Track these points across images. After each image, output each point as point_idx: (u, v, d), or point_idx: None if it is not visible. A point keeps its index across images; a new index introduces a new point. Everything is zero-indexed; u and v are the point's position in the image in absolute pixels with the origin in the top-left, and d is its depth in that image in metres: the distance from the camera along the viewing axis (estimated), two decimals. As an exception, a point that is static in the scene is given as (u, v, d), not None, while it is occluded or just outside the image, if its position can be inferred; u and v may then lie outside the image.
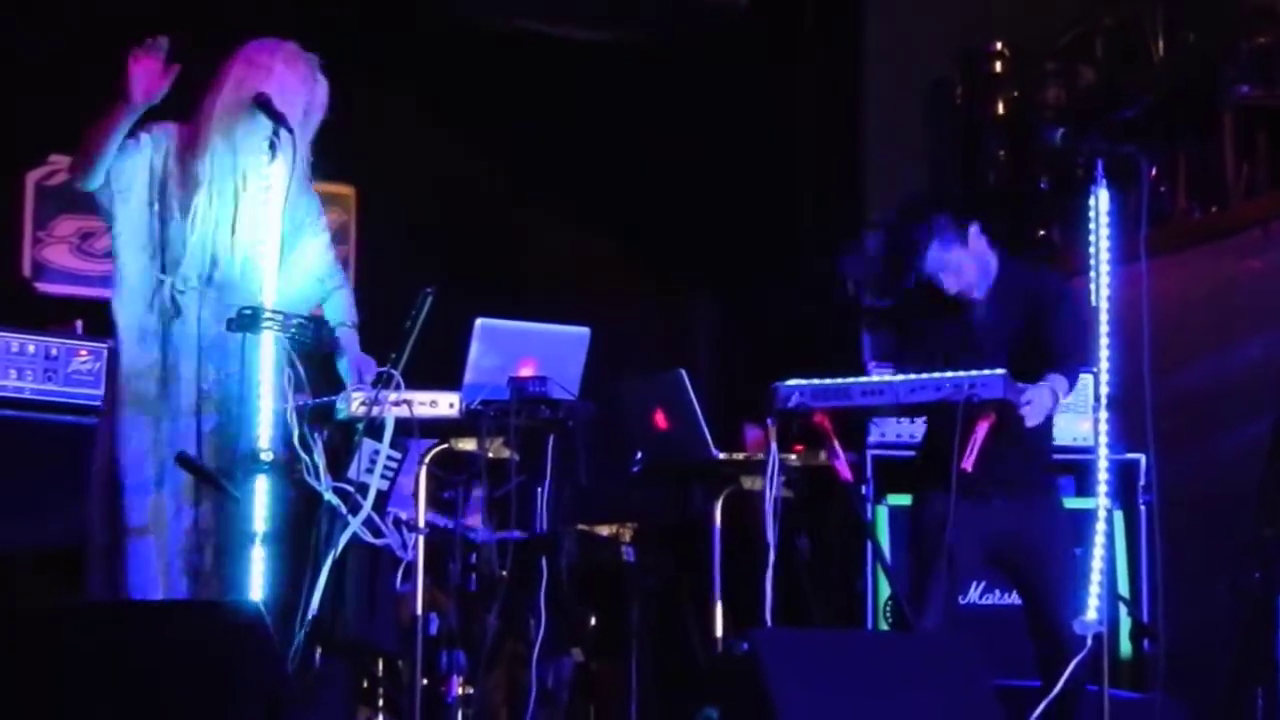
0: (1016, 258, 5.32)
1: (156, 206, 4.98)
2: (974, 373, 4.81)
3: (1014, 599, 6.17)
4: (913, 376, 4.94)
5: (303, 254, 5.15)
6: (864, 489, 6.20)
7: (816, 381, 5.00)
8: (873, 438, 6.33)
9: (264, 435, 4.78)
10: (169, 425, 4.90)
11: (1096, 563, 4.95)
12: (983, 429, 4.79)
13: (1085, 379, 5.50)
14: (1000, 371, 4.80)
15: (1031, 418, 4.85)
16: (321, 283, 5.20)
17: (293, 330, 4.81)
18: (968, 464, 4.79)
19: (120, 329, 4.96)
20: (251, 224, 4.96)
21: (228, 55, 5.02)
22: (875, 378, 5.18)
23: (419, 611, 5.05)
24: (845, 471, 5.06)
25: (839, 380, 5.02)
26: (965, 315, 5.14)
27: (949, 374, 4.86)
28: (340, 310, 5.20)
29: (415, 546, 5.04)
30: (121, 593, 4.84)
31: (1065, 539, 5.06)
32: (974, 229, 5.10)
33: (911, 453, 6.20)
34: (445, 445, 5.14)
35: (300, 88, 5.00)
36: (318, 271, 5.19)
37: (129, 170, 4.94)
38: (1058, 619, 4.99)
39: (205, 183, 4.96)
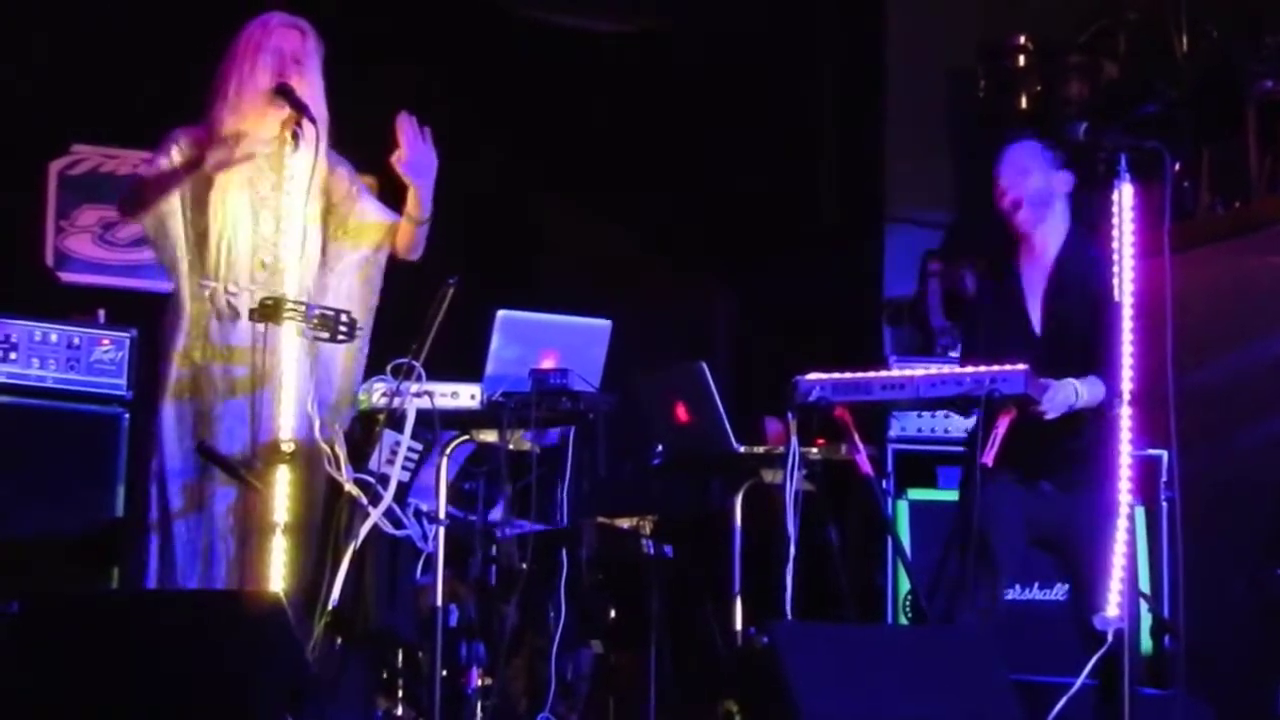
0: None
1: (190, 215, 5.00)
2: (995, 368, 4.81)
3: (1037, 594, 6.17)
4: (933, 371, 4.93)
5: (364, 212, 5.23)
6: (884, 483, 6.20)
7: (837, 375, 5.00)
8: (894, 432, 6.33)
9: (285, 426, 4.80)
10: (223, 410, 4.93)
11: (1118, 559, 4.93)
12: (1004, 423, 4.80)
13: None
14: (1021, 367, 4.80)
15: (1048, 414, 4.86)
16: (385, 219, 5.27)
17: (314, 320, 4.82)
18: (988, 458, 4.80)
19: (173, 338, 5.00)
20: (284, 217, 4.98)
21: (226, 49, 5.03)
22: (896, 372, 5.16)
23: (439, 603, 5.06)
24: (865, 465, 5.06)
25: (859, 374, 5.02)
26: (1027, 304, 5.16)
27: (969, 369, 4.87)
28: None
29: (436, 538, 5.05)
30: (166, 573, 4.88)
31: (1109, 535, 5.01)
32: (1068, 174, 5.24)
33: (932, 447, 6.21)
34: (466, 437, 5.14)
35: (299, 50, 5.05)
36: (381, 221, 5.25)
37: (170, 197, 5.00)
38: (1087, 615, 4.97)
39: (232, 182, 4.98)
